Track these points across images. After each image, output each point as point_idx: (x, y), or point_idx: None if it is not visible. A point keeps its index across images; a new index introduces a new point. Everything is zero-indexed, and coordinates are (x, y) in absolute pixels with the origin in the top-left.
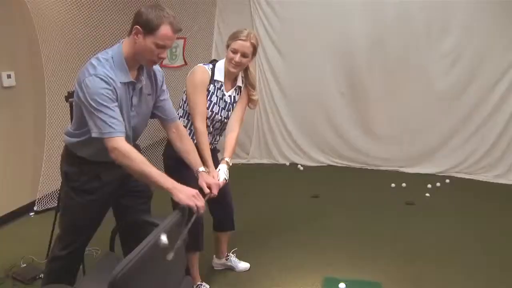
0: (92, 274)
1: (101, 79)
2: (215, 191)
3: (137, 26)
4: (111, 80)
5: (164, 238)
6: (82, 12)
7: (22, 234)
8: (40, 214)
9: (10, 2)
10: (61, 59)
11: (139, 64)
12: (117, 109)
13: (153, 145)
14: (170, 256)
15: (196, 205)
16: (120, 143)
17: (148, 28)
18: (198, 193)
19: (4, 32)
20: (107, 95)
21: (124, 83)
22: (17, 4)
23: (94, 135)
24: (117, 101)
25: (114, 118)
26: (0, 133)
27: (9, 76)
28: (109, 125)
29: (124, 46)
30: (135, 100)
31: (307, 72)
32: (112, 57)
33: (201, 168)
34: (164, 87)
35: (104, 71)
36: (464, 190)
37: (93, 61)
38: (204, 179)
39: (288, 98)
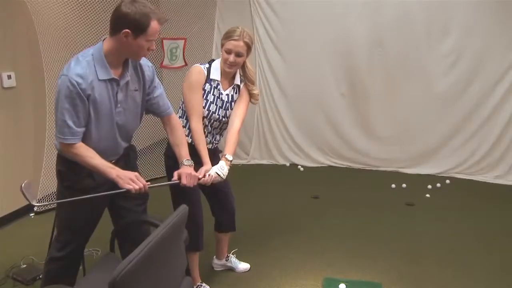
0: (92, 274)
1: (70, 81)
2: (184, 181)
3: (127, 30)
4: (80, 81)
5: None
6: (83, 13)
7: (22, 234)
8: (40, 215)
9: (10, 2)
10: (62, 59)
11: (123, 60)
12: (80, 116)
13: (153, 145)
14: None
15: (135, 188)
16: (70, 146)
17: (139, 29)
18: (138, 175)
19: (4, 33)
20: (73, 98)
21: (104, 80)
22: (17, 4)
23: (55, 134)
24: (88, 100)
25: (70, 127)
26: (0, 134)
27: (9, 77)
28: (67, 131)
29: (105, 44)
30: (120, 96)
31: (307, 72)
32: (92, 55)
33: (185, 161)
34: (156, 82)
35: (76, 71)
36: (464, 190)
37: (73, 59)
38: (179, 170)
39: (288, 99)
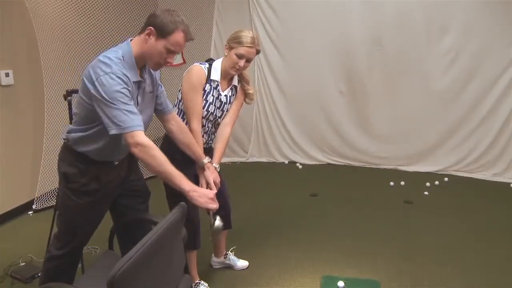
0: (91, 272)
1: (118, 77)
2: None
3: (151, 28)
4: (127, 79)
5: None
6: (81, 11)
7: (21, 232)
8: (38, 213)
9: (9, 1)
10: (60, 57)
11: (144, 63)
12: (133, 105)
13: None
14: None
15: (216, 208)
16: (142, 138)
17: (162, 31)
18: (214, 195)
19: (3, 31)
20: (125, 92)
21: (134, 82)
22: (16, 3)
23: (112, 132)
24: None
25: (133, 113)
26: None
27: (7, 75)
28: (130, 120)
29: (133, 45)
30: (139, 99)
31: (306, 71)
32: (122, 56)
33: (206, 160)
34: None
35: (119, 69)
36: (463, 188)
37: (105, 59)
38: (211, 175)
39: (287, 97)
